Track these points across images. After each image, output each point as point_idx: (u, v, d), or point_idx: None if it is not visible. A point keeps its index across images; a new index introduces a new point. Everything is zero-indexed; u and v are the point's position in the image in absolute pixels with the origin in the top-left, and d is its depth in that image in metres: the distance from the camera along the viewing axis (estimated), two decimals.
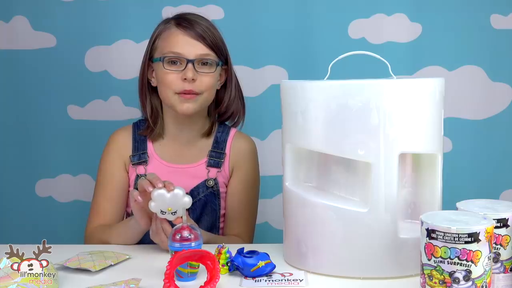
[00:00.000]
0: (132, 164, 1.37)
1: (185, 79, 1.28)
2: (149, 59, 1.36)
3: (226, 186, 1.40)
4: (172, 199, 1.09)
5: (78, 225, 1.59)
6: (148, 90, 1.38)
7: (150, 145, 1.39)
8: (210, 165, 1.38)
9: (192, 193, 1.35)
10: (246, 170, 1.41)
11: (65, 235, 1.72)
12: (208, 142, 1.40)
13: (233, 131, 1.43)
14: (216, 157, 1.38)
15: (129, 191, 1.37)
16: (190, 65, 1.28)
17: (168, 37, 1.32)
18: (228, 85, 1.40)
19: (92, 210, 1.39)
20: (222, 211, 1.40)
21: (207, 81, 1.31)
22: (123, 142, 1.40)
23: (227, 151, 1.39)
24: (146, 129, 1.39)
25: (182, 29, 1.31)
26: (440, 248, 0.81)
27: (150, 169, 1.36)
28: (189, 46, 1.29)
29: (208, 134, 1.40)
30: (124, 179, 1.38)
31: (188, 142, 1.39)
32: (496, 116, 1.69)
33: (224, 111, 1.41)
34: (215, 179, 1.37)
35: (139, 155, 1.38)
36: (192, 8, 1.56)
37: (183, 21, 1.32)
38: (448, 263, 0.80)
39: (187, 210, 1.27)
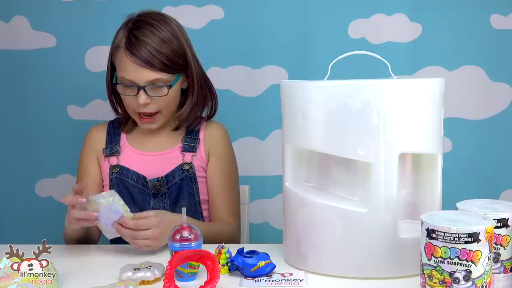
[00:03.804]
0: (105, 156, 1.39)
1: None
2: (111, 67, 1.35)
3: (205, 172, 1.41)
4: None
5: None
6: (116, 93, 1.38)
7: (123, 137, 1.42)
8: (185, 149, 1.39)
9: (167, 177, 1.36)
10: (221, 153, 1.42)
11: None
12: (181, 130, 1.41)
13: (203, 121, 1.43)
14: (190, 142, 1.40)
15: (103, 186, 1.39)
16: (141, 91, 1.28)
17: (119, 60, 1.30)
18: (190, 92, 1.37)
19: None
20: (202, 197, 1.40)
21: (161, 101, 1.32)
22: (97, 137, 1.42)
23: (201, 136, 1.41)
24: (120, 123, 1.42)
25: (130, 55, 1.27)
26: (440, 248, 0.81)
27: (123, 158, 1.38)
28: (137, 73, 1.27)
29: (177, 129, 1.41)
30: (98, 173, 1.40)
31: (161, 133, 1.41)
32: (496, 116, 1.69)
33: (184, 117, 1.39)
34: (190, 163, 1.38)
35: (111, 147, 1.40)
36: (192, 8, 1.56)
37: (131, 44, 1.27)
38: (448, 263, 0.80)
39: (164, 195, 1.33)
